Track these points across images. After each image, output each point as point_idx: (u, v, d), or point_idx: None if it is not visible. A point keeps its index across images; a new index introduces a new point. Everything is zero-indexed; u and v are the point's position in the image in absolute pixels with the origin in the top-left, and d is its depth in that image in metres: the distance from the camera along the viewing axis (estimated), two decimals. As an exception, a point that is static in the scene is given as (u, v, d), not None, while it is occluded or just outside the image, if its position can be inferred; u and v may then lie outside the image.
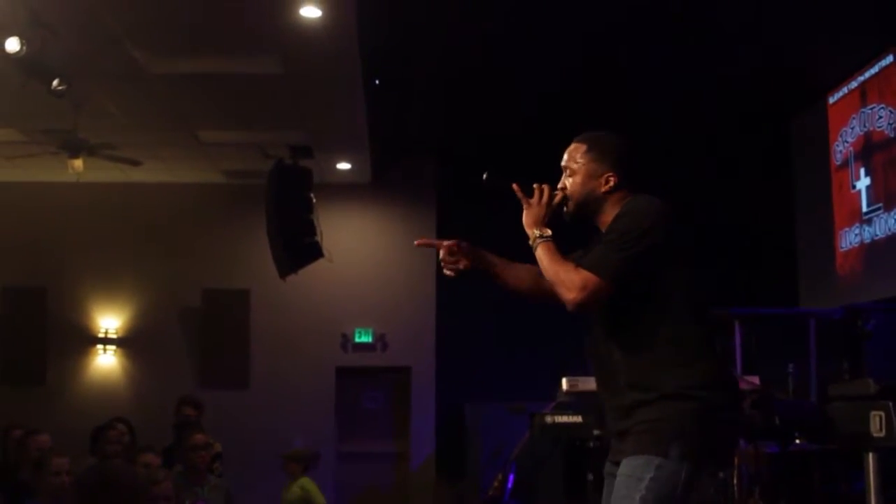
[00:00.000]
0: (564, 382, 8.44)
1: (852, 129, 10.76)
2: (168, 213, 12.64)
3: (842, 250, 11.01)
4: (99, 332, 12.59)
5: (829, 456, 8.90)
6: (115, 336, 12.60)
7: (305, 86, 9.18)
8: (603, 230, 3.54)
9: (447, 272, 3.87)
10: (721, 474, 7.48)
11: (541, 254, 3.56)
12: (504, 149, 12.18)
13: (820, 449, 8.78)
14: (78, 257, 12.61)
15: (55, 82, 8.01)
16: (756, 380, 8.56)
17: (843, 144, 10.97)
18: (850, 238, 10.81)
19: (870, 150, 10.42)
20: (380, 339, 12.70)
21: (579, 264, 3.43)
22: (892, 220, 9.93)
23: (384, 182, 12.76)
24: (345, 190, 12.52)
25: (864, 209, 10.50)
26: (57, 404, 11.92)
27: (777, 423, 8.58)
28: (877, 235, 10.25)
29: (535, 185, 3.69)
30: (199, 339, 12.62)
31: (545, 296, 3.74)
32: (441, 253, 3.85)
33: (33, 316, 12.58)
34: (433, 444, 12.57)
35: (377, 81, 9.78)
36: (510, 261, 3.93)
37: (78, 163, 9.57)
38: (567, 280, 3.39)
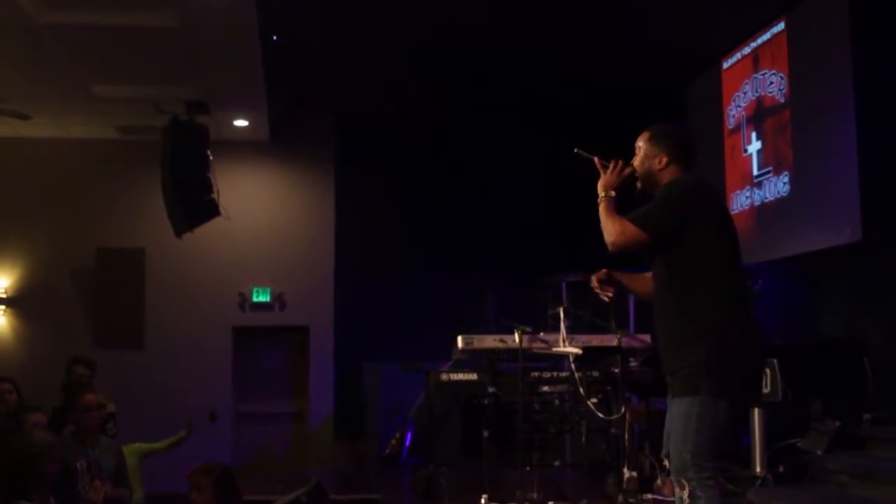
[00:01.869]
0: (460, 340, 8.49)
1: (745, 94, 10.99)
2: (60, 170, 12.33)
3: (733, 213, 11.25)
4: (-13, 291, 12.29)
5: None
6: (4, 296, 12.30)
7: (201, 40, 9.02)
8: None
9: (605, 299, 4.75)
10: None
11: (602, 208, 4.47)
12: (402, 106, 12.20)
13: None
14: (-36, 215, 12.25)
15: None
16: (647, 338, 8.74)
17: (735, 109, 11.20)
18: (741, 200, 11.07)
19: (761, 115, 10.66)
20: (278, 298, 12.63)
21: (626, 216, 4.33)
22: (781, 184, 10.20)
23: (283, 140, 12.64)
24: (243, 147, 12.37)
25: (755, 172, 10.75)
26: (-56, 365, 11.60)
27: (668, 379, 8.79)
28: (766, 198, 10.52)
29: (611, 160, 4.63)
30: (93, 299, 12.38)
31: None
32: (594, 281, 4.73)
33: (-83, 275, 12.21)
34: (332, 404, 12.59)
35: (275, 37, 9.65)
36: (632, 275, 4.77)
37: (-38, 116, 9.28)
38: (611, 227, 4.35)
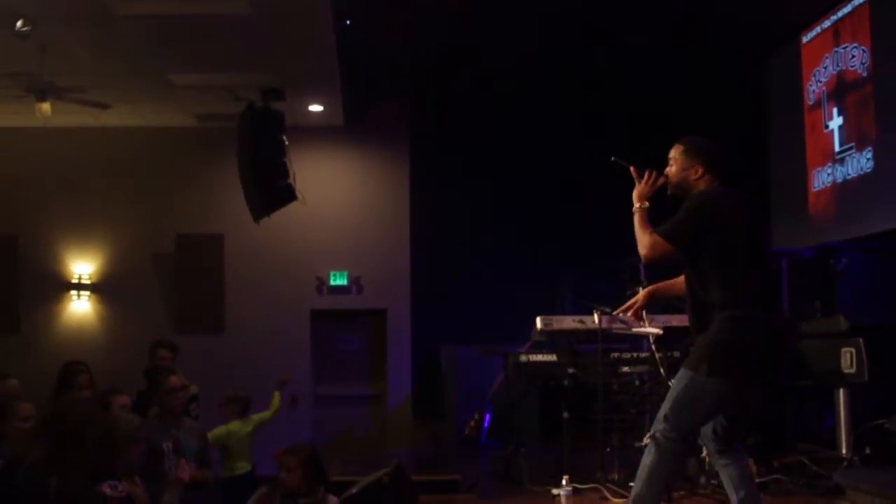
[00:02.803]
0: (538, 322, 8.48)
1: (825, 68, 10.75)
2: (140, 158, 12.53)
3: (814, 190, 11.05)
4: (72, 278, 12.54)
5: (801, 392, 9.02)
6: (88, 282, 12.55)
7: (275, 26, 9.06)
8: None
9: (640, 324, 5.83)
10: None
11: (636, 219, 5.04)
12: (478, 90, 12.15)
13: (792, 386, 8.90)
14: (49, 203, 12.51)
15: (19, 23, 7.89)
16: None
17: (815, 84, 10.96)
18: (822, 178, 10.85)
19: (842, 90, 10.42)
20: (355, 281, 12.70)
21: (655, 230, 4.92)
22: (864, 160, 9.96)
23: (357, 124, 12.68)
24: (318, 132, 12.44)
25: (837, 149, 10.51)
26: (32, 352, 11.88)
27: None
28: (849, 175, 10.28)
29: (646, 171, 5.14)
30: (173, 285, 12.58)
31: None
32: (631, 314, 5.56)
33: (5, 264, 12.49)
34: (409, 386, 12.64)
35: (348, 22, 9.67)
36: (672, 282, 5.45)
37: (45, 106, 9.44)
38: (642, 239, 4.95)
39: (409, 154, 12.79)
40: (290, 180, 10.68)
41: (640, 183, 5.13)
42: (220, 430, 7.84)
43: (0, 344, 11.90)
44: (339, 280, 12.68)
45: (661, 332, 7.86)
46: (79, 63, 9.57)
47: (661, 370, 7.77)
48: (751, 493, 5.05)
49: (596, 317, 8.16)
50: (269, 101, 10.61)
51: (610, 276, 10.19)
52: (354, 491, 6.26)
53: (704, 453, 7.82)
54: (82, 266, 12.55)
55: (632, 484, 7.83)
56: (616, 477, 8.10)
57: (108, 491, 4.75)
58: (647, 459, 4.90)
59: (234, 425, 7.92)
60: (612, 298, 8.72)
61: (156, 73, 10.39)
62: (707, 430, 5.04)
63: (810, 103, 11.07)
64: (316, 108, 11.87)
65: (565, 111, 12.31)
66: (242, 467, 7.88)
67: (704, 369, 4.76)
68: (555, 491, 7.43)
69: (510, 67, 11.63)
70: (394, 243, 12.61)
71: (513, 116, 12.45)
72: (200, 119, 12.20)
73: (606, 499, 7.72)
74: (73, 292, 12.53)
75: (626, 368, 8.69)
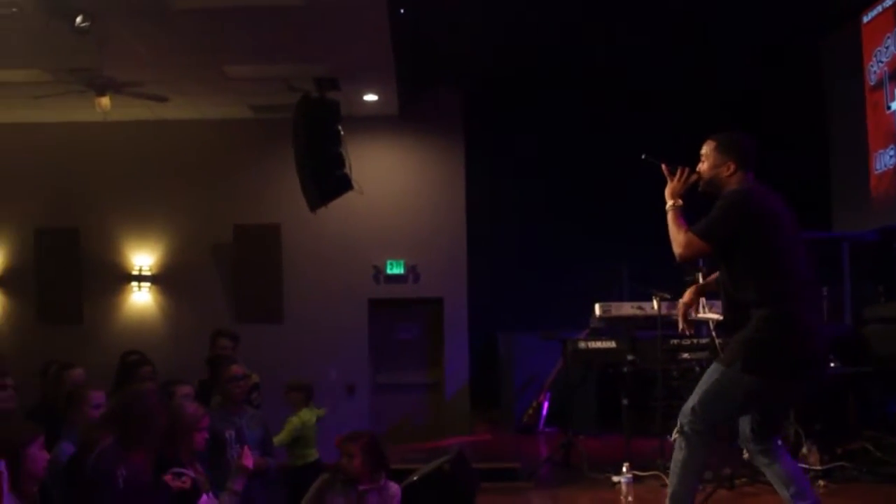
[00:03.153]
0: (597, 308, 8.44)
1: (887, 48, 10.55)
2: (197, 150, 12.66)
3: (876, 172, 10.86)
4: (133, 269, 12.71)
5: (865, 378, 8.89)
6: (148, 273, 12.71)
7: (329, 16, 9.08)
8: None
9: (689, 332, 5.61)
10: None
11: (670, 217, 5.00)
12: (533, 77, 12.10)
13: (855, 371, 8.77)
14: (109, 196, 12.68)
15: (78, 19, 7.99)
16: (790, 303, 8.51)
17: (877, 65, 10.77)
18: (884, 160, 10.66)
19: (905, 70, 10.23)
20: (411, 270, 12.72)
21: (690, 228, 4.87)
22: (929, 140, 9.78)
23: (412, 113, 12.68)
24: (373, 122, 12.45)
25: (900, 129, 10.34)
26: (94, 342, 12.07)
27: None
28: (913, 156, 10.11)
29: (679, 168, 5.11)
30: (231, 275, 12.71)
31: None
32: (684, 327, 5.42)
33: (67, 256, 12.70)
34: (467, 374, 12.64)
35: (402, 10, 9.67)
36: (706, 282, 5.51)
37: (105, 101, 9.55)
38: (677, 237, 4.90)
39: (464, 141, 12.77)
40: (346, 170, 10.71)
41: (671, 180, 5.12)
42: (294, 421, 7.87)
43: (63, 335, 12.12)
44: (395, 269, 12.71)
45: (720, 317, 7.77)
46: (136, 57, 9.67)
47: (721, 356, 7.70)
48: (800, 488, 4.98)
49: (655, 303, 8.12)
50: (324, 92, 10.65)
51: (668, 261, 10.09)
52: (415, 478, 6.29)
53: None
54: (142, 258, 12.71)
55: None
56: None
57: (171, 481, 4.82)
58: (678, 455, 4.91)
59: (304, 413, 7.97)
60: (671, 284, 8.66)
61: (211, 66, 10.47)
62: (744, 430, 5.03)
63: (871, 84, 10.88)
64: (371, 97, 11.90)
65: (622, 97, 12.22)
66: (311, 455, 7.92)
67: (738, 366, 4.73)
68: (615, 478, 7.43)
69: (565, 55, 11.57)
70: (450, 231, 12.60)
71: (568, 103, 12.39)
72: (256, 110, 12.28)
73: (667, 486, 7.66)
74: (134, 284, 12.70)
75: (685, 355, 8.61)
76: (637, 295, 8.56)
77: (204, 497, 5.00)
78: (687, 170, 5.09)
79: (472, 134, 12.80)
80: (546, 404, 11.60)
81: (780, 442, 5.11)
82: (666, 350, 8.38)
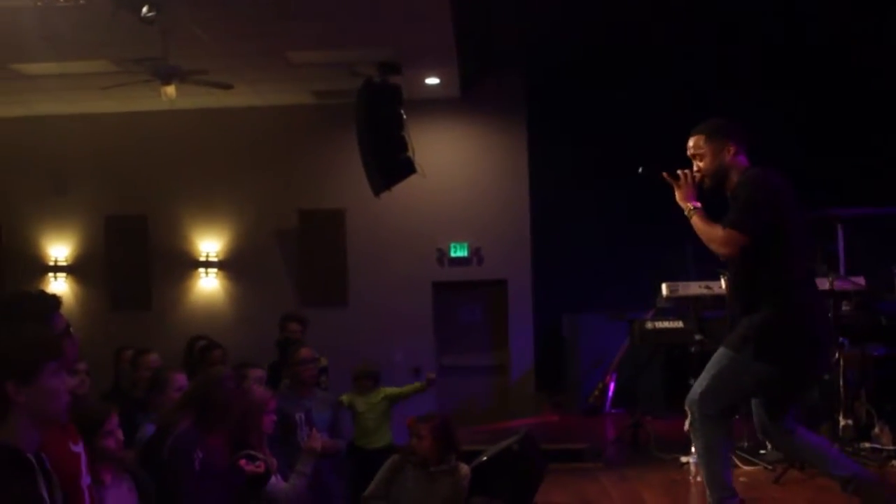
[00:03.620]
0: (664, 288, 8.38)
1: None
2: (261, 137, 12.78)
3: None
4: (200, 255, 12.90)
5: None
6: (215, 259, 12.89)
7: (390, 0, 9.10)
8: (729, 190, 4.88)
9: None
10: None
11: (696, 221, 4.88)
12: (594, 57, 12.00)
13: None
14: (176, 184, 12.87)
15: (144, 10, 8.09)
16: (861, 280, 8.39)
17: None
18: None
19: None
20: (475, 252, 12.72)
21: (722, 224, 4.73)
22: None
23: (474, 96, 12.67)
24: (435, 105, 12.46)
25: None
26: (164, 327, 12.27)
27: (883, 324, 8.43)
28: None
29: (679, 172, 4.99)
30: (297, 260, 12.83)
31: None
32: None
33: (136, 243, 12.92)
34: (532, 356, 12.63)
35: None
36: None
37: (171, 90, 9.68)
38: (717, 237, 4.74)
39: (526, 123, 12.73)
40: (409, 153, 10.74)
41: (678, 186, 5.00)
42: (346, 397, 7.98)
43: (132, 321, 12.34)
44: (459, 252, 12.73)
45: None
46: (201, 46, 9.77)
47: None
48: (835, 458, 4.97)
49: (723, 282, 8.01)
50: (386, 76, 10.69)
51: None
52: (484, 458, 6.31)
53: (841, 421, 7.66)
54: (209, 244, 12.88)
55: (762, 451, 7.77)
56: (745, 444, 7.98)
57: (246, 465, 4.88)
58: (697, 444, 4.88)
59: (366, 397, 8.04)
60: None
61: (275, 53, 10.55)
62: (762, 420, 4.91)
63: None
64: (433, 80, 11.90)
65: (685, 75, 12.07)
66: (379, 439, 7.99)
67: (750, 352, 4.67)
68: (683, 458, 7.38)
69: (627, 34, 11.45)
70: (513, 213, 12.58)
71: (633, 82, 12.26)
72: (319, 96, 12.35)
73: (736, 466, 7.61)
74: (201, 270, 12.88)
75: (755, 334, 8.52)
76: (704, 274, 8.47)
77: (273, 479, 5.07)
78: (688, 171, 4.99)
79: (534, 114, 12.74)
80: (612, 385, 11.55)
81: (793, 421, 5.00)
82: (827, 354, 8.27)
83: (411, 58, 10.82)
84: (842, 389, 7.85)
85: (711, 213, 4.89)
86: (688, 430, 4.92)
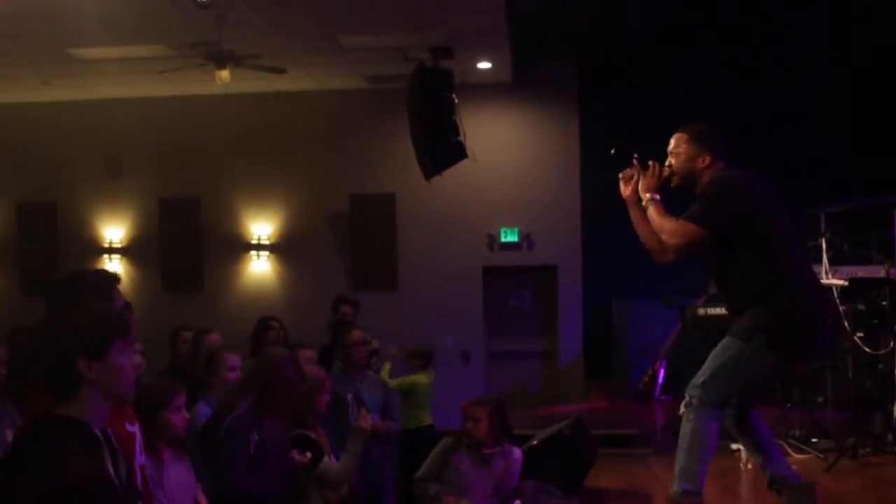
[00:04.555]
0: (717, 274, 8.31)
1: None
2: (313, 121, 12.86)
3: None
4: (252, 238, 13.00)
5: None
6: (267, 242, 12.99)
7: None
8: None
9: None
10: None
11: (652, 211, 4.86)
12: (644, 48, 11.92)
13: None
14: (228, 167, 12.99)
15: (200, -6, 8.16)
16: (918, 267, 8.27)
17: None
18: None
19: None
20: (525, 238, 12.72)
21: (680, 217, 4.72)
22: None
23: (526, 81, 12.65)
24: (486, 90, 12.46)
25: None
26: (216, 309, 12.42)
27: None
28: None
29: (649, 162, 4.96)
30: (348, 243, 12.90)
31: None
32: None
33: (189, 226, 13.08)
34: (581, 342, 12.61)
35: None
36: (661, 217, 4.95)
37: (225, 73, 9.76)
38: (670, 227, 4.75)
39: (578, 108, 12.67)
40: (461, 138, 10.73)
41: (644, 176, 4.98)
42: (405, 378, 8.04)
43: (185, 303, 12.51)
44: (509, 237, 12.73)
45: (846, 283, 7.62)
46: (255, 30, 9.85)
47: (846, 323, 7.55)
48: (773, 456, 5.03)
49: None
50: (438, 60, 10.70)
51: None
52: (535, 442, 6.34)
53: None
54: (261, 227, 12.99)
55: (814, 440, 7.72)
56: (798, 433, 7.92)
57: (295, 456, 4.92)
58: (685, 428, 4.77)
59: (419, 377, 8.09)
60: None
61: (328, 37, 10.60)
62: (696, 380, 4.82)
63: None
64: (484, 65, 11.90)
65: (739, 58, 11.97)
66: (424, 418, 8.05)
67: (759, 342, 4.62)
68: (733, 446, 7.33)
69: (679, 19, 11.36)
70: (564, 199, 12.55)
71: (684, 67, 12.18)
72: (371, 80, 12.39)
73: (788, 455, 7.56)
74: (253, 252, 12.99)
75: (807, 322, 8.44)
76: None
77: (325, 459, 5.11)
78: (658, 164, 4.97)
79: (586, 100, 12.68)
80: (662, 372, 11.51)
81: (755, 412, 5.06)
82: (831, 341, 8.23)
83: (463, 42, 10.82)
84: (896, 378, 7.77)
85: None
86: (681, 413, 4.87)
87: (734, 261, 4.75)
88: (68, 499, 2.50)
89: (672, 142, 5.04)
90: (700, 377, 4.73)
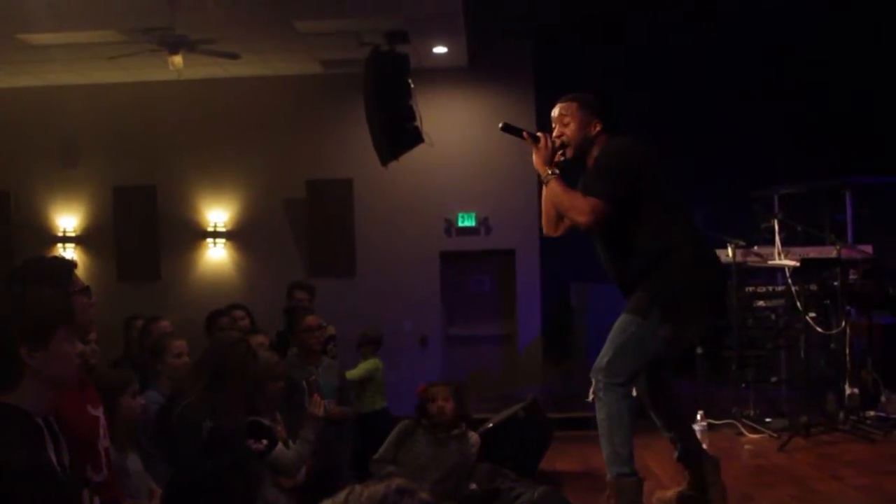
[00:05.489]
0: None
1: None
2: (268, 107, 12.77)
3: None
4: (208, 226, 12.91)
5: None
6: (223, 229, 12.90)
7: (398, -32, 9.08)
8: (590, 164, 4.83)
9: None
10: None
11: (555, 186, 4.78)
12: (600, 29, 11.95)
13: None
14: (184, 154, 12.88)
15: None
16: (869, 249, 8.40)
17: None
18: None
19: None
20: (483, 222, 12.72)
21: (583, 193, 4.66)
22: None
23: (482, 65, 12.64)
24: (442, 74, 12.43)
25: None
26: (172, 297, 12.32)
27: (890, 293, 8.45)
28: None
29: (538, 133, 4.87)
30: (305, 230, 12.84)
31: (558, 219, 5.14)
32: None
33: (145, 214, 12.95)
34: (539, 325, 12.65)
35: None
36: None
37: (178, 59, 9.67)
38: (579, 206, 4.65)
39: (534, 92, 12.66)
40: (417, 123, 10.71)
41: (537, 148, 4.88)
42: (365, 364, 8.04)
43: (141, 291, 12.39)
44: (467, 221, 12.73)
45: (797, 264, 7.70)
46: (208, 14, 9.75)
47: (798, 304, 7.63)
48: (683, 431, 5.13)
49: (730, 250, 8.04)
50: (393, 45, 10.65)
51: (742, 208, 9.98)
52: (491, 424, 6.35)
53: (847, 389, 7.69)
54: (217, 214, 12.90)
55: (768, 419, 7.81)
56: (752, 413, 8.02)
57: (251, 445, 4.91)
58: (601, 414, 4.68)
59: (375, 361, 8.09)
60: (746, 231, 8.58)
61: (282, 21, 10.52)
62: (600, 361, 4.72)
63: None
64: (440, 49, 11.87)
65: (688, 48, 12.03)
66: (379, 403, 8.05)
67: (658, 315, 4.59)
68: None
69: (634, 3, 11.40)
70: (521, 183, 12.52)
71: (641, 52, 12.23)
72: (326, 65, 12.33)
73: (742, 434, 7.66)
74: (210, 240, 12.90)
75: (760, 303, 8.55)
76: (711, 242, 8.48)
77: (279, 445, 5.10)
78: (547, 135, 4.88)
79: (542, 83, 12.69)
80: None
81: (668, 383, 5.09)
82: (741, 298, 8.32)
83: (419, 27, 10.77)
84: (848, 358, 7.89)
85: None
86: (591, 400, 4.79)
87: (631, 228, 4.69)
88: (9, 488, 2.48)
89: (559, 110, 4.97)
90: (603, 358, 4.67)
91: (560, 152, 4.88)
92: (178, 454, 4.70)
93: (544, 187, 4.95)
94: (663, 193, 4.76)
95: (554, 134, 4.89)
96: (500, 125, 5.04)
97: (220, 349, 5.01)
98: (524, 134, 4.90)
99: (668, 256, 4.63)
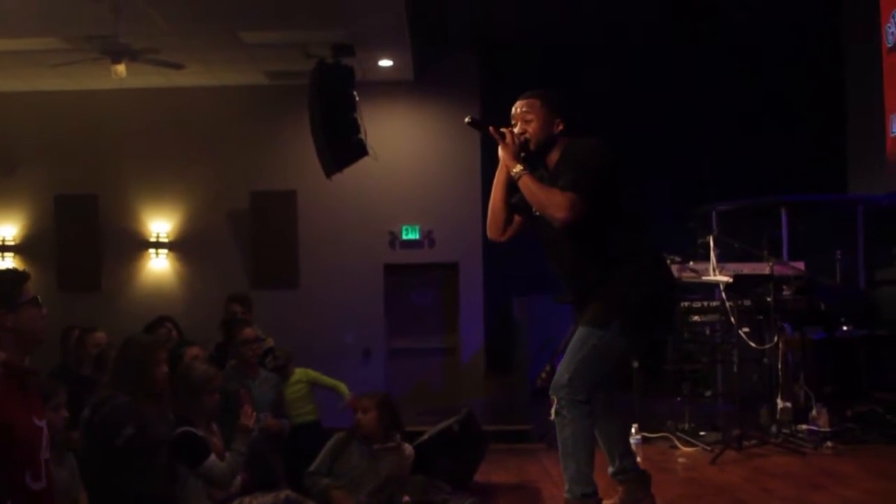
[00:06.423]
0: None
1: (903, 9, 10.47)
2: (213, 117, 12.73)
3: (892, 135, 10.80)
4: (150, 236, 12.82)
5: (876, 341, 8.93)
6: (166, 240, 12.82)
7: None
8: (550, 164, 4.72)
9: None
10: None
11: (528, 182, 4.59)
12: (547, 40, 12.05)
13: (866, 334, 8.80)
14: (126, 163, 12.78)
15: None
16: (801, 266, 8.55)
17: (894, 26, 10.69)
18: (901, 123, 10.60)
19: (922, 31, 10.15)
20: (427, 235, 12.77)
21: (560, 188, 4.48)
22: (944, 103, 9.71)
23: (427, 78, 12.70)
24: (388, 87, 12.45)
25: (916, 92, 10.27)
26: (113, 308, 12.21)
27: (822, 308, 8.61)
28: (928, 119, 10.05)
29: (503, 129, 4.72)
30: (248, 241, 12.80)
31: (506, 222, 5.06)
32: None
33: (86, 223, 12.82)
34: (482, 338, 12.72)
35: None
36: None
37: (121, 68, 9.62)
38: (557, 201, 4.46)
39: (480, 106, 12.71)
40: (362, 136, 10.77)
41: (503, 144, 4.71)
42: (295, 385, 8.01)
43: (81, 301, 12.24)
44: (411, 234, 12.77)
45: (731, 280, 7.81)
46: (152, 24, 9.72)
47: (732, 319, 7.75)
48: (623, 450, 4.98)
49: (692, 263, 8.14)
50: (339, 57, 10.70)
51: (678, 223, 10.11)
52: (425, 438, 6.38)
53: (780, 403, 7.82)
54: (160, 224, 12.82)
55: (702, 433, 7.91)
56: (686, 426, 8.12)
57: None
58: (565, 433, 4.55)
59: (302, 371, 8.07)
60: (682, 246, 8.70)
61: (227, 32, 10.52)
62: (561, 378, 4.61)
63: (889, 46, 10.80)
64: (386, 62, 11.91)
65: (641, 57, 12.17)
66: (306, 415, 7.99)
67: (616, 327, 4.50)
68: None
69: (579, 16, 11.52)
70: (465, 196, 12.60)
71: (587, 63, 12.33)
72: (271, 77, 12.33)
73: (676, 448, 7.75)
74: (152, 250, 12.82)
75: (696, 318, 8.68)
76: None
77: (212, 457, 5.09)
78: (510, 131, 4.71)
79: (488, 97, 12.76)
80: (559, 367, 11.64)
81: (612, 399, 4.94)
82: (677, 313, 8.43)
83: (364, 39, 10.81)
84: (780, 372, 8.03)
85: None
86: (552, 419, 4.66)
87: (594, 231, 4.56)
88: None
89: (522, 107, 4.80)
90: (564, 375, 4.54)
91: (527, 147, 4.75)
92: (97, 460, 4.69)
93: (494, 187, 4.91)
94: (629, 201, 4.69)
95: (516, 131, 4.74)
96: (467, 119, 4.93)
97: (120, 350, 5.07)
98: (490, 129, 4.75)
99: (625, 262, 4.56)
